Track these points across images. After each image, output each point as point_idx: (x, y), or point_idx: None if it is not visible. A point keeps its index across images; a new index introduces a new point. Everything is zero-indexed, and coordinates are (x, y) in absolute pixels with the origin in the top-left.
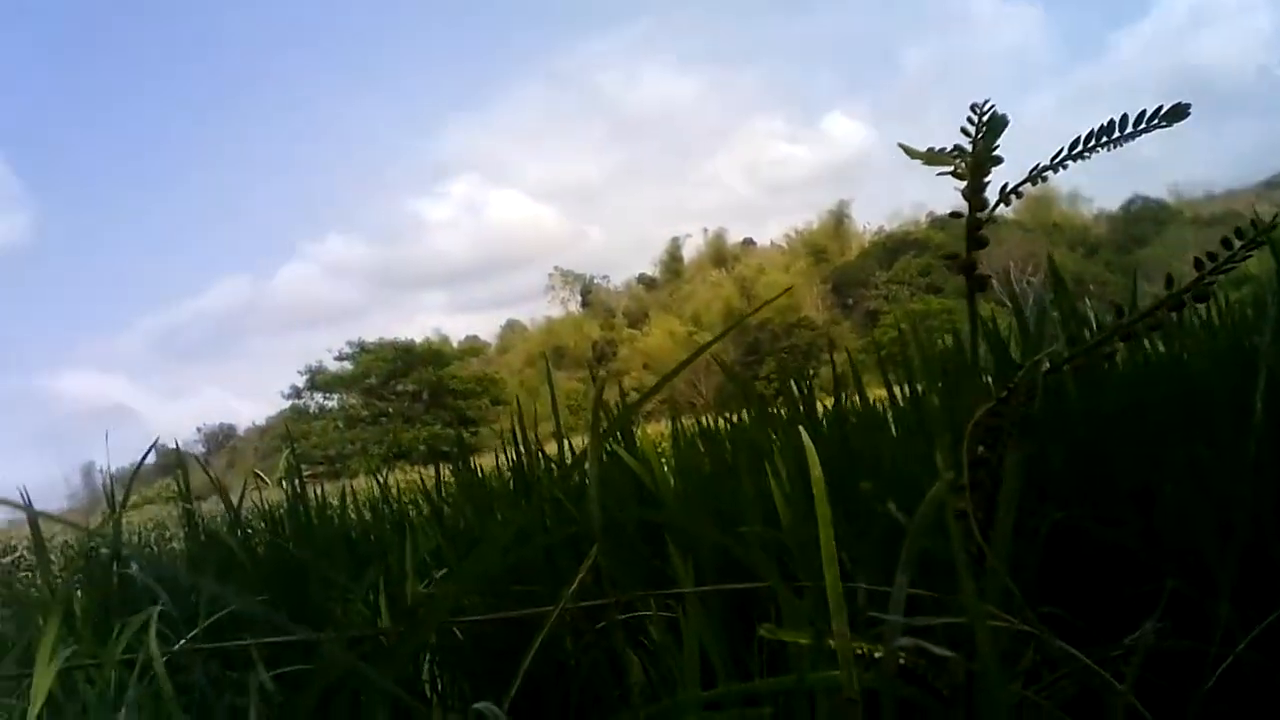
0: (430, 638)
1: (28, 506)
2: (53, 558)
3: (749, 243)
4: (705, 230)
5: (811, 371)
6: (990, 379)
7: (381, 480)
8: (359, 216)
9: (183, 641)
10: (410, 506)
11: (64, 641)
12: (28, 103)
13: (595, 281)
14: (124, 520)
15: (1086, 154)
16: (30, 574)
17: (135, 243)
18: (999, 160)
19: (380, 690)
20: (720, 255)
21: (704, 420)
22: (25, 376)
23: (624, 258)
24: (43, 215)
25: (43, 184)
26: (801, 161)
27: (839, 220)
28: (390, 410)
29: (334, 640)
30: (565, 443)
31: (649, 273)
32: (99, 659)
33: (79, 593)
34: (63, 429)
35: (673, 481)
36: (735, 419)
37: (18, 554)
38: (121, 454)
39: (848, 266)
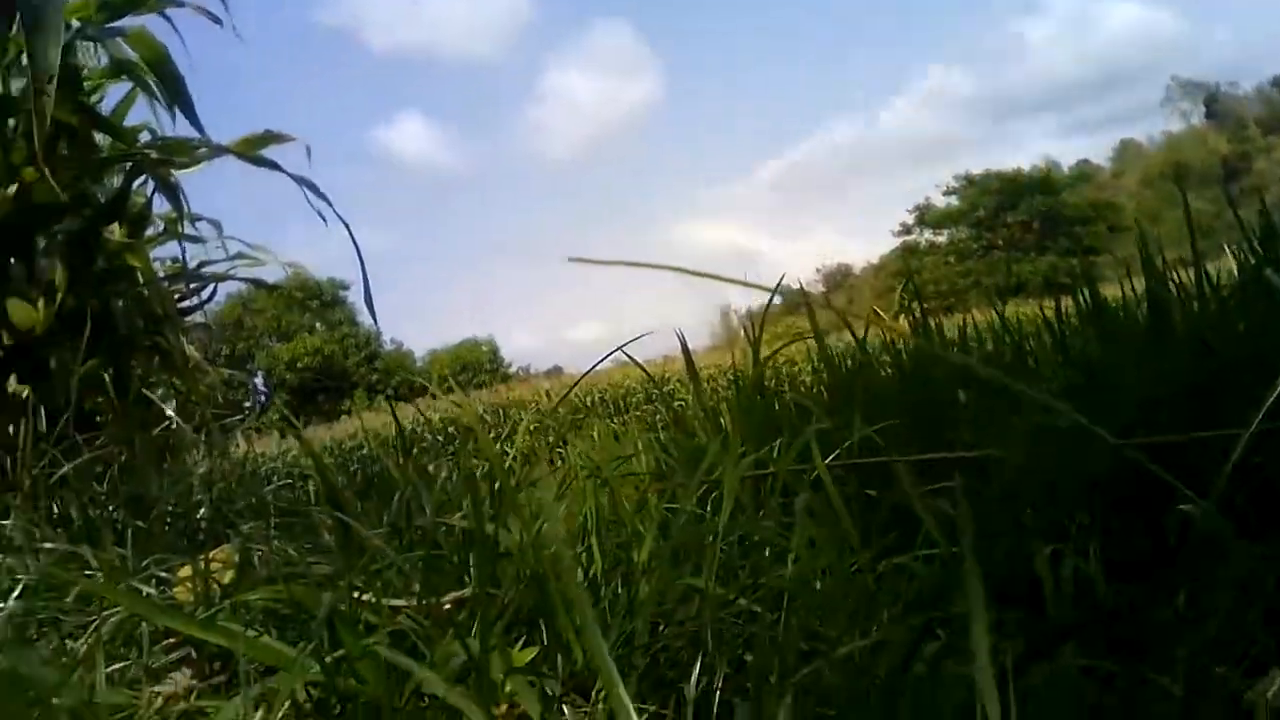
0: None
1: (683, 346)
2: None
3: None
4: None
5: None
6: None
7: (999, 311)
8: (959, 45)
9: (835, 453)
10: (1031, 339)
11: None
12: None
13: (1222, 89)
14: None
15: None
16: (683, 403)
17: (750, 93)
18: None
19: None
20: None
21: None
22: (667, 228)
23: (1255, 59)
24: (669, 75)
25: (668, 46)
26: None
27: None
28: (1000, 242)
29: (996, 455)
30: (1201, 271)
31: None
32: (773, 469)
33: (730, 416)
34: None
35: None
36: None
37: (670, 385)
38: (751, 295)
39: None
